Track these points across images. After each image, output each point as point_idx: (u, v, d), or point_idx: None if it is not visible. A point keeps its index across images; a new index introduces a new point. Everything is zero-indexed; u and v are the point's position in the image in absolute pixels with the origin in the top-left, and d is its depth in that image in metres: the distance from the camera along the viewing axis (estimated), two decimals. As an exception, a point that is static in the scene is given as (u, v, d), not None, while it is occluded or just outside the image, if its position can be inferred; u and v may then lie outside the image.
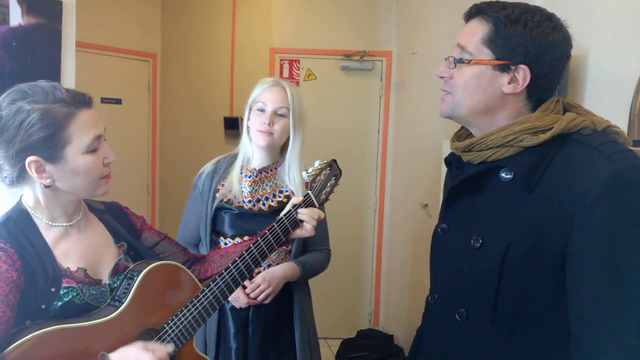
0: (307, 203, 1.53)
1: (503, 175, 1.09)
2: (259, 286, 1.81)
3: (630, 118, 1.54)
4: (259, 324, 1.88)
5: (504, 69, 1.07)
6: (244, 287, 1.82)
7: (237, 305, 1.85)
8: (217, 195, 1.92)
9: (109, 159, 1.26)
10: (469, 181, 1.15)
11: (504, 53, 1.07)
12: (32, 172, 1.17)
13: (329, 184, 1.60)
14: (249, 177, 1.93)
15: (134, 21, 4.53)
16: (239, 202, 1.90)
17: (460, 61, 1.11)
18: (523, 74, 1.07)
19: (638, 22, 1.76)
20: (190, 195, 2.00)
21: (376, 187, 4.20)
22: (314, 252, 2.00)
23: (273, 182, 1.96)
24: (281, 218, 1.48)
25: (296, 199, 1.54)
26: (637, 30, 1.76)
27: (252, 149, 1.97)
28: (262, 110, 1.91)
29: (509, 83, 1.08)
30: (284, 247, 1.93)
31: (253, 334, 1.88)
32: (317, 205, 1.55)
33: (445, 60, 1.14)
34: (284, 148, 1.99)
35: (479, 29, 1.09)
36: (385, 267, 4.18)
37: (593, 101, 1.96)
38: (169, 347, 1.21)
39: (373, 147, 4.19)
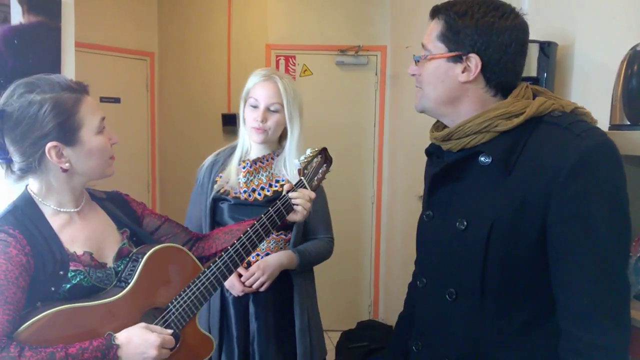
0: (300, 189, 1.58)
1: (482, 159, 1.16)
2: (253, 274, 1.85)
3: (612, 103, 1.59)
4: (259, 311, 1.91)
5: (457, 60, 1.16)
6: (240, 275, 1.86)
7: (234, 293, 1.89)
8: (215, 186, 1.95)
9: (113, 140, 1.35)
10: (450, 168, 1.22)
11: (455, 45, 1.15)
12: (52, 158, 1.23)
13: (320, 171, 1.65)
14: (244, 168, 1.95)
15: (131, 20, 4.57)
16: (235, 193, 1.93)
17: (419, 59, 1.22)
18: (474, 62, 1.14)
19: (621, 10, 1.81)
20: (193, 188, 2.05)
21: (373, 181, 4.25)
22: (314, 240, 2.03)
23: (269, 171, 1.97)
24: (276, 203, 1.54)
25: (289, 185, 1.58)
26: (620, 18, 1.81)
27: (249, 141, 1.99)
28: (254, 107, 1.92)
29: (463, 72, 1.16)
30: (283, 237, 1.96)
31: (254, 321, 1.91)
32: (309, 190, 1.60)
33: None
34: (282, 137, 2.00)
35: (435, 27, 1.19)
36: (383, 259, 4.23)
37: (579, 88, 2.01)
38: (170, 330, 1.29)
39: (369, 141, 4.24)
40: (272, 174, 1.98)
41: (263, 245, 1.91)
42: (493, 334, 1.15)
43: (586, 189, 1.03)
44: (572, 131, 1.07)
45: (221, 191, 1.94)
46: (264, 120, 1.90)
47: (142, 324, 1.25)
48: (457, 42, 1.15)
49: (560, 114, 1.12)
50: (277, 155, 2.00)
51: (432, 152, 1.32)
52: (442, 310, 1.22)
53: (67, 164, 1.26)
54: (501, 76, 1.16)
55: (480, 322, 1.16)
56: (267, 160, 1.99)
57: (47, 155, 1.23)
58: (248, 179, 1.95)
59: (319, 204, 2.00)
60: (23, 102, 1.21)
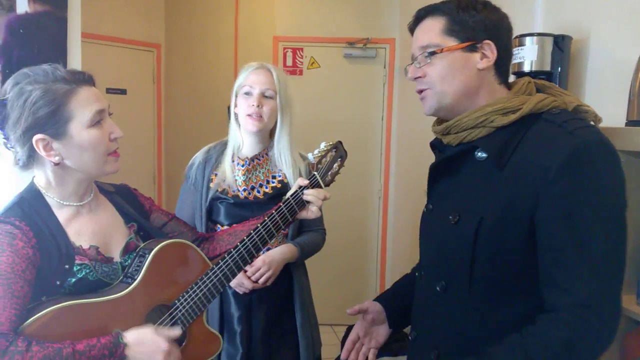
0: (313, 184, 1.54)
1: (478, 154, 1.16)
2: (259, 269, 1.84)
3: (630, 98, 1.55)
4: (262, 307, 1.91)
5: (472, 49, 1.16)
6: (245, 272, 1.85)
7: (241, 291, 1.87)
8: (211, 185, 1.93)
9: (115, 134, 1.28)
10: (447, 162, 1.23)
11: (467, 35, 1.15)
12: (40, 150, 1.21)
13: (334, 165, 1.60)
14: (242, 166, 1.94)
15: (138, 12, 4.54)
16: (233, 192, 1.92)
17: (434, 53, 1.16)
18: (489, 48, 1.15)
19: (638, 4, 1.77)
20: (182, 186, 2.02)
21: (380, 174, 4.22)
22: (310, 232, 2.03)
23: (265, 168, 1.97)
24: (288, 198, 1.51)
25: (302, 180, 1.54)
26: (637, 12, 1.77)
27: (241, 136, 1.97)
28: (249, 94, 1.91)
29: (481, 59, 1.16)
30: (282, 231, 1.94)
31: (257, 317, 1.91)
32: (323, 187, 1.56)
33: (413, 62, 1.22)
34: (272, 133, 1.99)
35: (434, 25, 1.18)
36: (390, 254, 4.20)
37: (594, 83, 1.98)
38: (177, 331, 1.26)
39: (377, 135, 4.20)
40: (268, 170, 1.97)
41: None
42: (480, 328, 1.15)
43: (574, 187, 1.03)
44: (565, 129, 1.07)
45: (219, 190, 1.92)
46: (260, 105, 1.89)
47: (154, 327, 1.23)
48: (467, 32, 1.15)
49: (559, 111, 1.13)
50: (271, 151, 1.99)
51: (436, 145, 1.33)
52: (433, 302, 1.24)
53: (57, 158, 1.22)
54: (507, 62, 1.19)
55: (468, 315, 1.17)
56: (263, 157, 1.98)
57: (35, 147, 1.20)
58: (247, 176, 1.93)
59: None
60: (16, 91, 1.19)
